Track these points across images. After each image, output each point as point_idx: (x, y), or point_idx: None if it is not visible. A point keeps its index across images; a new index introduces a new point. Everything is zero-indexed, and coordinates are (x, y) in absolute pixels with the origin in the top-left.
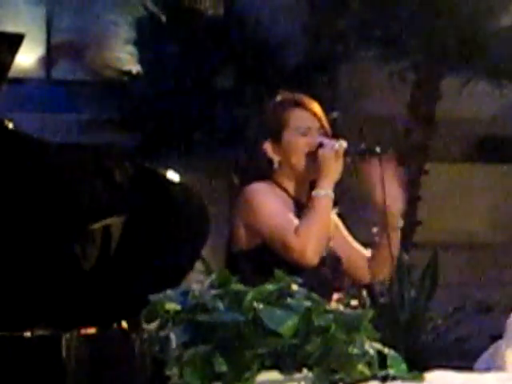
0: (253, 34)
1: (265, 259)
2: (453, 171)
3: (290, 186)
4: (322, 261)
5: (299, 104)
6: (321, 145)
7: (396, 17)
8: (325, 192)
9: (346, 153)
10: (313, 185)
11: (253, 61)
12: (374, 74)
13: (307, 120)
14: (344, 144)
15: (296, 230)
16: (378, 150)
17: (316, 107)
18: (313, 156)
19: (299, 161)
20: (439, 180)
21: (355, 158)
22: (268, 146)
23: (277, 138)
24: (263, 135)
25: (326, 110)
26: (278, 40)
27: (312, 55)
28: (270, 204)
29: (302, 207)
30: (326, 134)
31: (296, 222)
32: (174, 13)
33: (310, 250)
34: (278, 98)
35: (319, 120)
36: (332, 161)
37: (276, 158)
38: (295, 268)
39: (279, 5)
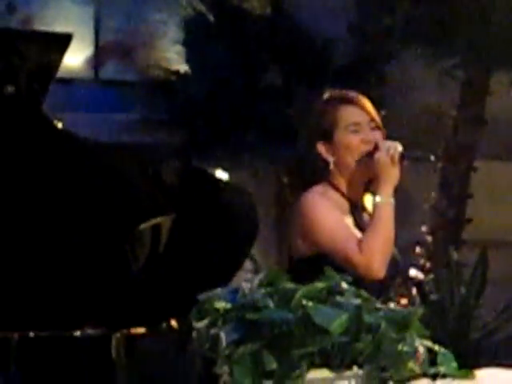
0: (300, 33)
1: (324, 266)
2: (502, 169)
3: (345, 186)
4: None
5: (346, 100)
6: (376, 147)
7: (444, 13)
8: (385, 199)
9: (402, 157)
10: (367, 186)
11: (301, 59)
12: (423, 72)
13: (356, 115)
14: (399, 148)
15: (359, 244)
16: (432, 158)
17: (364, 101)
18: (368, 157)
19: (354, 160)
20: (488, 177)
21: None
22: (321, 147)
23: (328, 138)
24: (315, 136)
25: (375, 108)
26: (326, 38)
27: (360, 53)
28: (329, 217)
29: (356, 208)
30: (377, 128)
31: (358, 234)
32: (222, 12)
33: (375, 265)
34: (325, 96)
35: (368, 113)
36: (389, 166)
37: (331, 159)
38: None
39: (326, 3)
